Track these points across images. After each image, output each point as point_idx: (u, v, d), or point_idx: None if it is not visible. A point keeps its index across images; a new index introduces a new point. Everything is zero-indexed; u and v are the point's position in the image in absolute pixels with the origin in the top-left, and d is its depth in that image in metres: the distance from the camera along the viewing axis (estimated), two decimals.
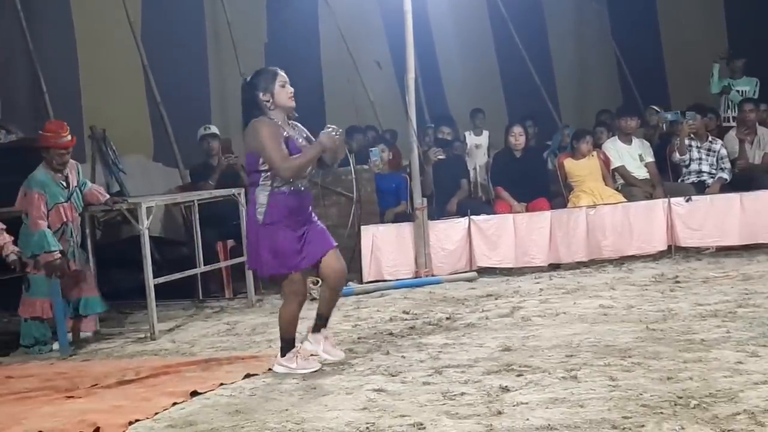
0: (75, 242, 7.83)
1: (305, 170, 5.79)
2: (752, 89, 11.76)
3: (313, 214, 5.98)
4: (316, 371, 5.79)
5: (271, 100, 5.77)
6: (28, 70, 10.93)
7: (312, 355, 5.92)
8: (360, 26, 13.77)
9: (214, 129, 10.57)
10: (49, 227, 7.46)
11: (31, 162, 9.84)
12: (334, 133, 5.81)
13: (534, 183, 10.42)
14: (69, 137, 7.85)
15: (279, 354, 5.94)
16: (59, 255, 7.34)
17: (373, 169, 10.19)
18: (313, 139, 5.94)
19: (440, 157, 10.51)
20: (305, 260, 5.77)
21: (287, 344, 5.91)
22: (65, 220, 7.69)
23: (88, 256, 8.13)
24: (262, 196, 5.72)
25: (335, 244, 5.98)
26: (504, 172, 10.55)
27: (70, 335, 7.61)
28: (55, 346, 7.51)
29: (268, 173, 5.69)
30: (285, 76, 5.85)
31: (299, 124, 6.05)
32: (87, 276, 7.87)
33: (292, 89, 5.85)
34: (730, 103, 11.84)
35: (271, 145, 5.62)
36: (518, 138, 10.51)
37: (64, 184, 7.76)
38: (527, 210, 10.21)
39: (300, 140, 5.87)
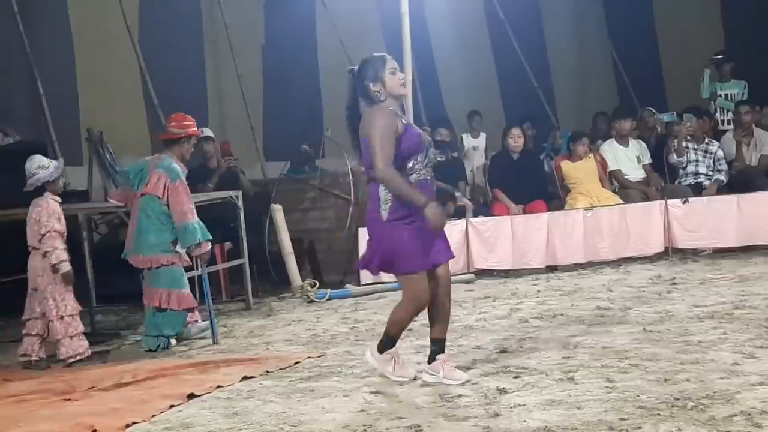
0: None
1: (392, 191, 5.20)
2: (741, 92, 11.77)
3: None
4: (408, 380, 5.45)
5: (382, 90, 5.32)
6: (26, 73, 10.95)
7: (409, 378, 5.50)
8: (357, 28, 13.77)
9: (208, 132, 10.56)
10: None
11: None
12: (442, 218, 5.20)
13: (531, 185, 10.42)
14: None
15: (376, 346, 5.58)
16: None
17: None
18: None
19: (439, 158, 10.50)
20: (432, 259, 5.33)
21: (389, 342, 5.54)
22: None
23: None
24: (385, 192, 5.23)
25: (454, 255, 5.65)
26: (501, 174, 10.56)
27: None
28: (173, 343, 7.41)
29: (401, 163, 5.24)
30: (394, 62, 5.42)
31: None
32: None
33: (403, 75, 5.46)
34: (718, 108, 11.86)
35: (381, 140, 5.14)
36: (517, 140, 10.51)
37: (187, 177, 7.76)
38: (525, 212, 10.21)
39: (416, 129, 5.44)
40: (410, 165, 5.30)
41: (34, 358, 6.97)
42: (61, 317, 6.90)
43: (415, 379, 5.44)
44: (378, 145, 5.14)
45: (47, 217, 6.92)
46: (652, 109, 11.98)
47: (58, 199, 7.13)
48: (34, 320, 7.00)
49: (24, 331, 7.04)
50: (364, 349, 6.41)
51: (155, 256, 7.30)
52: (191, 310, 7.49)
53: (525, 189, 10.34)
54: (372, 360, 5.58)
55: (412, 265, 5.25)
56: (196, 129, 7.84)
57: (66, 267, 6.90)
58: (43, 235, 6.88)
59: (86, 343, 7.04)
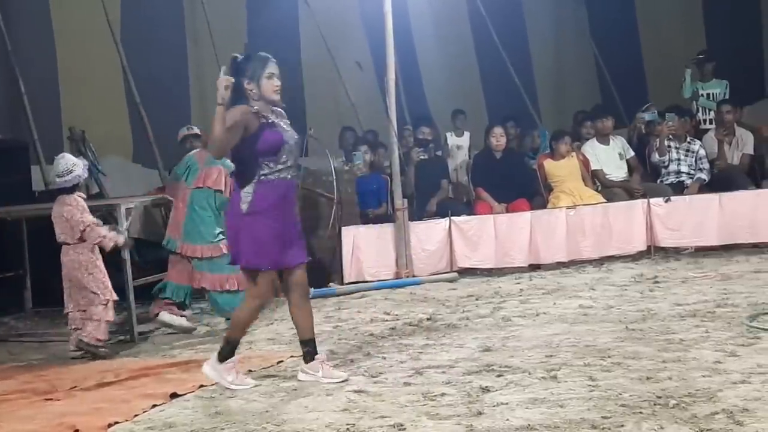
0: None
1: (217, 138, 5.26)
2: (722, 91, 11.81)
3: (297, 217, 5.68)
4: (247, 388, 5.46)
5: (255, 90, 5.47)
6: (7, 72, 10.89)
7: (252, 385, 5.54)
8: (340, 27, 13.76)
9: (196, 129, 10.52)
10: None
11: (11, 162, 9.85)
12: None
13: (514, 184, 10.43)
14: None
15: (215, 356, 5.56)
16: None
17: (356, 172, 10.23)
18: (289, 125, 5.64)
19: (422, 156, 10.52)
20: (286, 260, 5.47)
21: (230, 347, 5.54)
22: None
23: None
24: (247, 187, 5.38)
25: (308, 259, 5.74)
26: (484, 173, 10.57)
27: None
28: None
29: (255, 161, 5.37)
30: (275, 66, 5.56)
31: (283, 112, 5.64)
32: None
33: (279, 82, 5.54)
34: (700, 108, 11.90)
35: (225, 121, 5.23)
36: (499, 139, 10.53)
37: None
38: (507, 211, 10.23)
39: (282, 124, 5.54)
40: (268, 163, 5.40)
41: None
42: (106, 303, 7.12)
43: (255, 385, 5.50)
44: (217, 128, 5.23)
45: (81, 213, 7.14)
46: (649, 106, 11.93)
47: (84, 195, 7.43)
48: (74, 313, 7.19)
49: (71, 326, 7.21)
50: (349, 347, 6.44)
51: (214, 246, 7.69)
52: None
53: (508, 188, 10.36)
54: (211, 372, 5.53)
55: (265, 262, 5.38)
56: None
57: (122, 239, 7.30)
58: (84, 231, 7.09)
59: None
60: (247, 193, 5.38)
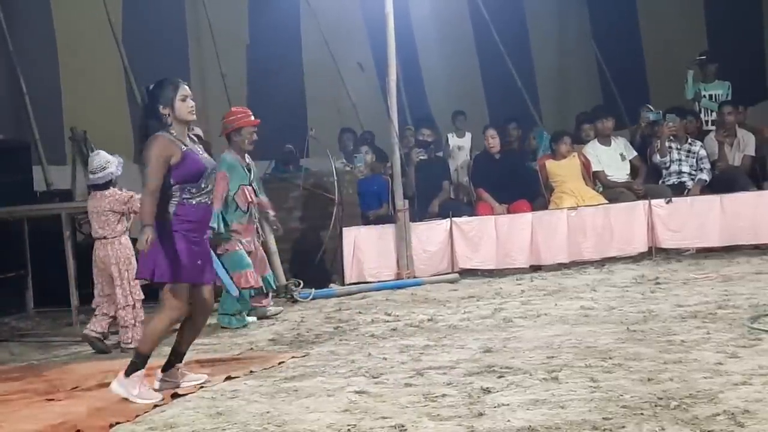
0: (258, 227, 8.35)
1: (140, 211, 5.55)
2: (725, 92, 11.82)
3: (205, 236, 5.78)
4: (155, 403, 5.35)
5: (170, 114, 5.55)
6: (8, 72, 10.91)
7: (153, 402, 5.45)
8: (342, 28, 13.77)
9: (198, 131, 10.52)
10: (238, 208, 8.06)
11: (12, 163, 9.86)
12: (143, 242, 5.33)
13: (514, 184, 10.46)
14: (254, 117, 8.35)
15: (123, 371, 5.49)
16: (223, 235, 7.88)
17: (357, 174, 10.24)
18: (206, 154, 5.79)
19: (422, 157, 10.53)
20: (203, 276, 5.61)
21: (140, 361, 5.50)
22: (250, 200, 8.11)
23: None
24: (170, 206, 5.49)
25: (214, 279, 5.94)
26: (484, 174, 10.61)
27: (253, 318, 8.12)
28: (250, 318, 8.01)
29: (177, 185, 5.49)
30: (187, 89, 5.65)
31: (195, 138, 5.80)
32: (263, 254, 8.43)
33: (193, 103, 5.63)
34: (703, 109, 11.90)
35: (152, 168, 5.41)
36: (491, 141, 10.61)
37: (247, 168, 8.20)
38: (509, 212, 10.23)
39: (200, 153, 5.67)
40: (190, 189, 5.53)
41: (93, 334, 7.29)
42: (133, 305, 7.25)
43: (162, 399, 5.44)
44: (150, 171, 5.41)
45: (127, 200, 7.30)
46: (650, 106, 11.95)
47: (120, 191, 7.50)
48: (102, 302, 7.35)
49: (96, 312, 7.36)
50: (350, 348, 6.43)
51: (215, 244, 7.81)
52: (254, 288, 8.06)
53: (508, 188, 10.39)
54: (119, 387, 5.46)
55: (183, 276, 5.49)
56: (245, 120, 8.26)
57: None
58: (134, 211, 7.24)
59: None
60: (169, 213, 5.49)
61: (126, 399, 5.38)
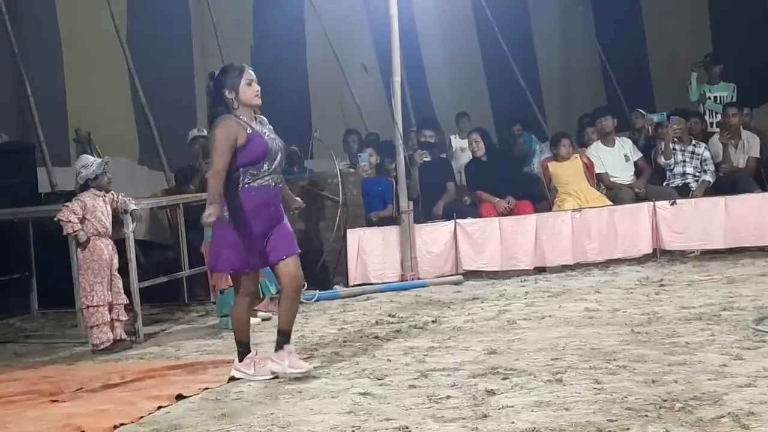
0: None
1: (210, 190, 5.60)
2: (729, 94, 11.81)
3: (285, 216, 5.91)
4: (271, 379, 5.73)
5: (236, 98, 5.69)
6: (13, 73, 10.92)
7: (275, 375, 5.78)
8: (346, 30, 13.78)
9: (206, 132, 10.53)
10: None
11: (17, 164, 9.87)
12: (207, 216, 5.50)
13: (505, 185, 10.48)
14: None
15: (236, 359, 5.85)
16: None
17: (362, 174, 10.24)
18: (276, 137, 5.90)
19: (425, 159, 10.54)
20: (264, 260, 5.77)
21: (243, 347, 5.84)
22: None
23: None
24: (234, 192, 5.65)
25: (298, 250, 5.90)
26: (477, 178, 10.69)
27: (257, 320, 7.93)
28: (254, 320, 7.72)
29: (238, 170, 5.64)
30: (252, 73, 5.78)
31: (265, 119, 5.95)
32: None
33: (258, 87, 5.77)
34: (707, 111, 11.91)
35: (218, 149, 5.57)
36: (476, 144, 10.74)
37: None
38: (513, 209, 10.26)
39: (267, 134, 5.81)
40: (253, 172, 5.66)
41: (106, 343, 7.35)
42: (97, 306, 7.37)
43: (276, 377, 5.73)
44: (215, 153, 5.58)
45: (72, 203, 7.37)
46: (641, 110, 12.01)
47: (100, 193, 7.50)
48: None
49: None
50: (354, 349, 6.44)
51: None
52: None
53: (502, 188, 10.43)
54: (239, 374, 5.79)
55: (246, 264, 5.69)
56: None
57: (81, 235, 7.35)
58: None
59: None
60: (230, 201, 5.62)
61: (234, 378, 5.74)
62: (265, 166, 5.69)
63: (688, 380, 4.92)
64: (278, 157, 5.80)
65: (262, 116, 5.95)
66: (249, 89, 5.72)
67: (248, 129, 5.66)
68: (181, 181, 10.28)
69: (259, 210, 5.67)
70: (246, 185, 5.64)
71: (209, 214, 5.44)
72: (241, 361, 5.81)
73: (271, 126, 6.01)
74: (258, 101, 5.78)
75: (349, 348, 6.61)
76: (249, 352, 5.85)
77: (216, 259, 5.76)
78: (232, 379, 5.80)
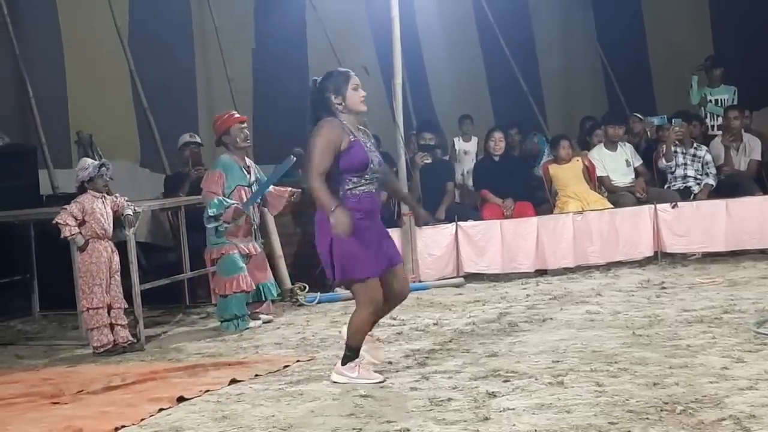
0: (255, 228, 8.28)
1: (315, 198, 5.46)
2: (730, 97, 11.83)
3: (382, 224, 5.77)
4: (377, 383, 5.51)
5: (342, 104, 5.55)
6: (15, 75, 10.91)
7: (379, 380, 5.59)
8: (347, 32, 13.77)
9: (198, 138, 10.53)
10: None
11: (19, 167, 9.87)
12: (344, 224, 5.30)
13: (514, 186, 10.50)
14: (239, 115, 8.47)
15: (339, 362, 5.66)
16: (237, 206, 7.88)
17: None
18: (375, 145, 5.79)
19: (426, 161, 10.53)
20: (381, 265, 5.56)
21: (352, 353, 5.60)
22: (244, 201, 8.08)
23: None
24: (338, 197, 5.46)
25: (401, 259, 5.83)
26: (485, 177, 10.68)
27: (258, 322, 8.10)
28: (252, 323, 7.98)
29: (340, 175, 5.48)
30: (358, 78, 5.63)
31: (369, 132, 5.81)
32: (265, 261, 8.39)
33: (364, 93, 5.63)
34: (709, 114, 11.91)
35: (317, 152, 5.39)
36: (498, 143, 10.67)
37: (246, 170, 8.19)
38: (515, 211, 10.26)
39: (368, 144, 5.64)
40: (354, 179, 5.51)
41: (107, 345, 7.36)
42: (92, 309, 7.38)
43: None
44: (314, 157, 5.40)
45: (70, 206, 7.35)
46: (638, 114, 12.02)
47: (98, 195, 7.49)
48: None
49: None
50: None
51: (211, 249, 8.03)
52: (245, 293, 8.00)
53: (508, 190, 10.43)
54: (339, 377, 5.62)
55: (364, 271, 5.47)
56: (229, 119, 8.29)
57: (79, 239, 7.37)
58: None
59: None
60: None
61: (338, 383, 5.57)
62: (367, 175, 5.53)
63: (689, 383, 4.92)
64: (375, 162, 5.62)
65: (366, 128, 5.83)
66: (355, 94, 5.58)
67: (351, 136, 5.50)
68: (169, 189, 10.19)
69: (366, 217, 5.51)
70: (348, 191, 5.47)
71: (344, 223, 5.26)
72: (344, 364, 5.61)
73: (374, 140, 5.89)
74: (364, 107, 5.62)
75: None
76: (357, 357, 5.61)
77: (350, 269, 5.46)
78: (334, 383, 5.59)
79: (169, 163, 11.65)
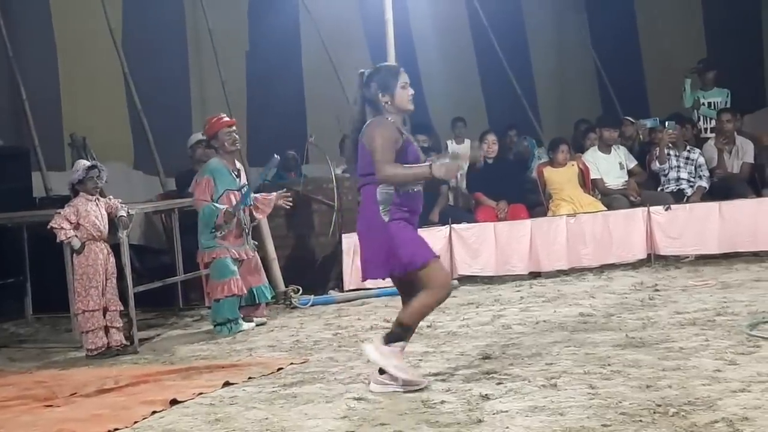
0: (246, 232, 8.23)
1: (402, 182, 5.32)
2: (723, 100, 11.86)
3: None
4: (415, 382, 5.30)
5: (390, 102, 5.39)
6: (8, 77, 10.90)
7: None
8: (341, 34, 13.78)
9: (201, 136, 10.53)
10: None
11: (12, 169, 9.86)
12: (455, 169, 5.37)
13: (507, 188, 10.51)
14: (228, 119, 8.44)
15: (383, 336, 5.39)
16: (228, 209, 7.89)
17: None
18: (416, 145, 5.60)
19: None
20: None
21: (404, 332, 5.34)
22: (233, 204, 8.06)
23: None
24: (383, 196, 5.31)
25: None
26: (478, 180, 10.68)
27: (252, 324, 8.10)
28: (245, 326, 7.97)
29: None
30: (407, 76, 5.46)
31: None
32: (258, 264, 8.36)
33: (412, 91, 5.46)
34: (701, 116, 11.94)
35: (386, 147, 5.24)
36: (491, 146, 10.68)
37: (236, 174, 8.18)
38: (509, 213, 10.27)
39: (415, 144, 5.54)
40: None
41: (101, 348, 7.37)
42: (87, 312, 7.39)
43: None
44: (380, 153, 5.24)
45: (64, 210, 7.37)
46: (629, 118, 12.04)
47: (90, 197, 7.48)
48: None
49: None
50: (349, 354, 6.44)
51: (203, 253, 8.01)
52: (237, 296, 7.97)
53: (501, 192, 10.44)
54: (374, 352, 5.30)
55: (426, 256, 5.31)
56: (218, 123, 8.25)
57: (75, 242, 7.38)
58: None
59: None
60: (386, 202, 5.30)
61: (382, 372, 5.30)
62: None
63: (682, 385, 4.92)
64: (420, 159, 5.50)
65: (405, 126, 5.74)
66: (404, 92, 5.41)
67: (403, 134, 5.41)
68: (182, 185, 10.21)
69: (411, 214, 5.40)
70: (398, 189, 5.30)
71: (448, 166, 5.22)
72: (390, 342, 5.30)
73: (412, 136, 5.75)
74: (412, 106, 5.48)
75: (344, 353, 6.61)
76: (406, 339, 5.39)
77: (414, 255, 5.25)
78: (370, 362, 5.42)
79: (162, 166, 11.64)
